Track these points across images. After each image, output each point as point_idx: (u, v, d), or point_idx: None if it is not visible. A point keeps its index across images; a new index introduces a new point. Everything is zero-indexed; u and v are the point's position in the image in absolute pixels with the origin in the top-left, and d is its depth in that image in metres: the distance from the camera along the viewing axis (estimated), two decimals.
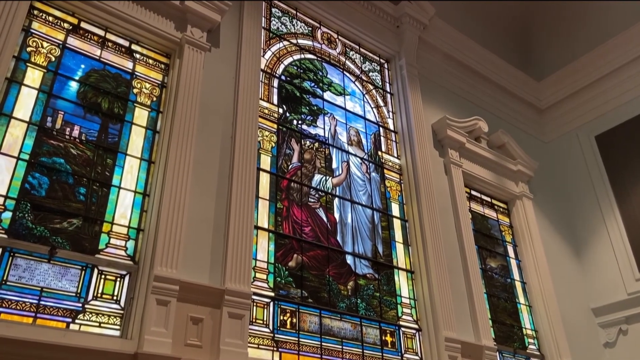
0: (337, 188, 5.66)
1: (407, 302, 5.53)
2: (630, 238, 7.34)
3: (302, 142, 5.59)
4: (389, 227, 5.86)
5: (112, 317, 3.70)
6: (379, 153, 6.31)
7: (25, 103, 3.94)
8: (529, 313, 6.72)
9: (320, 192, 5.46)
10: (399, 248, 5.80)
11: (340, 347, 4.79)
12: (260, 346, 4.32)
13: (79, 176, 3.97)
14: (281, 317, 4.55)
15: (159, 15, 4.85)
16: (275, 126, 5.42)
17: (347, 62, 6.67)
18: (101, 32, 4.61)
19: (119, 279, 3.84)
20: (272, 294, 4.58)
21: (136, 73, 4.69)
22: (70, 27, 4.44)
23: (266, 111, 5.41)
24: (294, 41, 6.17)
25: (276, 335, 4.45)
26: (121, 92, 4.51)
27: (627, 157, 7.71)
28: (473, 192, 7.10)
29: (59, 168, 3.91)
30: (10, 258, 3.47)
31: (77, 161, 4.01)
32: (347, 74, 6.57)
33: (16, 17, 3.94)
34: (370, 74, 6.89)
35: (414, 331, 5.39)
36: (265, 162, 5.16)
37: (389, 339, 5.16)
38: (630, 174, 7.60)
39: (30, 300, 3.44)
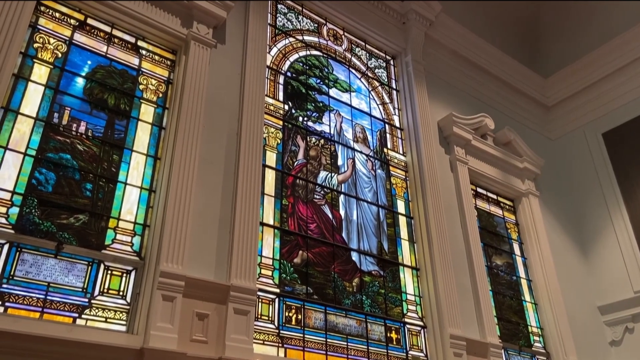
0: (343, 185, 5.65)
1: (412, 299, 5.53)
2: (638, 236, 7.29)
3: (308, 139, 5.59)
4: (395, 224, 5.85)
5: (118, 313, 3.72)
6: (385, 150, 6.30)
7: (32, 99, 3.96)
8: (534, 311, 6.70)
9: (325, 189, 5.46)
10: (405, 245, 5.80)
11: (345, 343, 4.80)
12: (265, 342, 4.33)
13: (85, 172, 3.99)
14: (286, 314, 4.56)
15: (165, 12, 4.86)
16: (280, 123, 5.42)
17: (352, 58, 6.65)
18: (107, 29, 4.62)
19: (125, 275, 3.86)
20: (278, 291, 4.58)
21: (142, 69, 4.70)
22: (77, 24, 4.45)
23: (272, 108, 5.41)
24: (300, 38, 6.17)
25: (281, 332, 4.46)
26: (127, 88, 4.52)
27: (635, 155, 7.65)
28: (479, 190, 7.08)
29: (66, 164, 3.92)
30: (17, 253, 3.49)
31: (83, 157, 4.03)
32: (353, 71, 6.56)
33: (23, 13, 3.96)
34: (376, 70, 6.88)
35: (419, 328, 5.39)
36: (271, 158, 5.16)
37: (394, 335, 5.16)
38: (638, 171, 7.55)
39: (37, 295, 3.46)
